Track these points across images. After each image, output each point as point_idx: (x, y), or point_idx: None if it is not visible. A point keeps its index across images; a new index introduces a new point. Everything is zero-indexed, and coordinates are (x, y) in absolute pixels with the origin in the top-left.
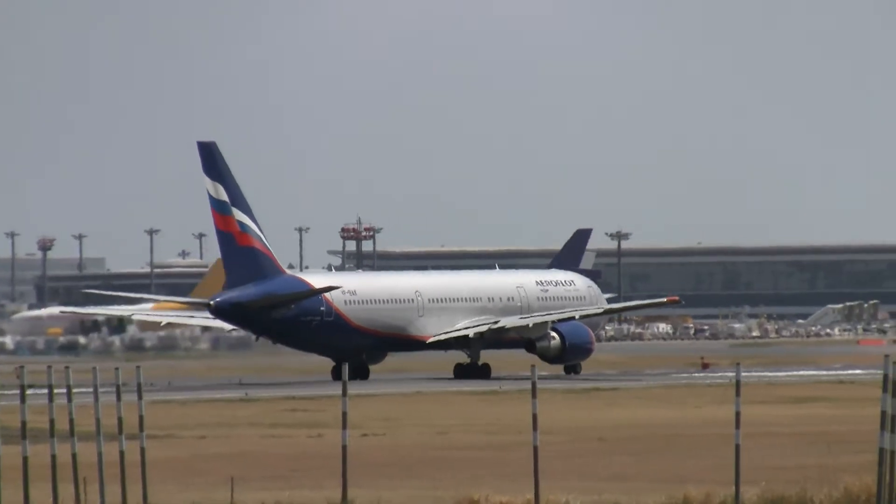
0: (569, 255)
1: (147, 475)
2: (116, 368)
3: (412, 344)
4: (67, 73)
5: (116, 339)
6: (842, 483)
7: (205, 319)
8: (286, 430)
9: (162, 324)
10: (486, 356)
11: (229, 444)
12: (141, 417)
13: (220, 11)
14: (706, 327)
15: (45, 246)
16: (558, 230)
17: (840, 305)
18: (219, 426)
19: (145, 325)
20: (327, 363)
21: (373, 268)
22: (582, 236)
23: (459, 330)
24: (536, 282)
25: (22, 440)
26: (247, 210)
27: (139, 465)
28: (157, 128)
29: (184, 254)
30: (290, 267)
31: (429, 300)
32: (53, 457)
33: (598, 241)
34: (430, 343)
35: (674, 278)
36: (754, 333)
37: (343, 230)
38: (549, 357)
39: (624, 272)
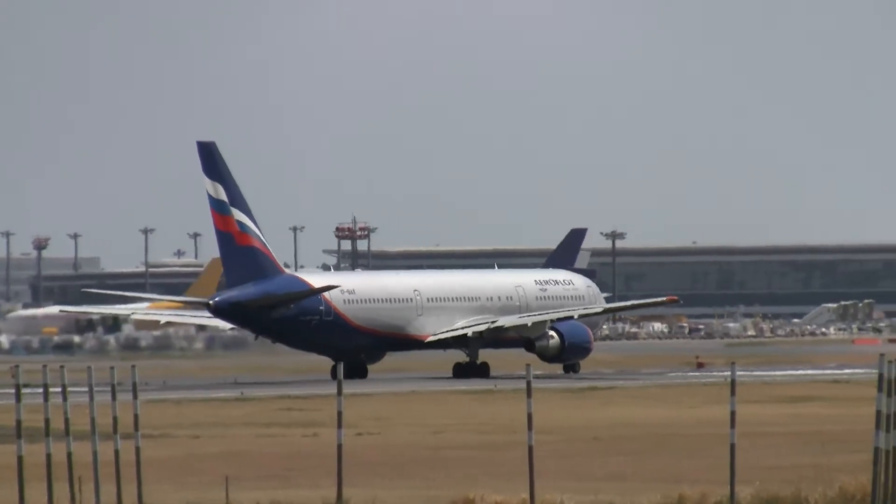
0: (564, 255)
1: (142, 475)
2: (111, 368)
3: (411, 343)
4: (63, 72)
5: (111, 339)
6: (837, 482)
7: (204, 319)
8: (281, 429)
9: (161, 323)
10: (485, 355)
11: (224, 444)
12: (136, 417)
13: (219, 11)
14: (701, 327)
15: (40, 245)
16: (553, 230)
17: (835, 305)
18: (214, 426)
19: (141, 325)
20: (324, 362)
21: (367, 267)
22: (577, 236)
23: (458, 329)
24: (535, 281)
25: (17, 439)
26: (246, 210)
27: (134, 464)
28: (152, 127)
29: (179, 253)
30: (286, 266)
31: (427, 299)
32: (48, 456)
33: (592, 241)
34: (428, 342)
35: (669, 278)
36: (749, 333)
37: (338, 229)
38: (548, 356)
39: (619, 272)
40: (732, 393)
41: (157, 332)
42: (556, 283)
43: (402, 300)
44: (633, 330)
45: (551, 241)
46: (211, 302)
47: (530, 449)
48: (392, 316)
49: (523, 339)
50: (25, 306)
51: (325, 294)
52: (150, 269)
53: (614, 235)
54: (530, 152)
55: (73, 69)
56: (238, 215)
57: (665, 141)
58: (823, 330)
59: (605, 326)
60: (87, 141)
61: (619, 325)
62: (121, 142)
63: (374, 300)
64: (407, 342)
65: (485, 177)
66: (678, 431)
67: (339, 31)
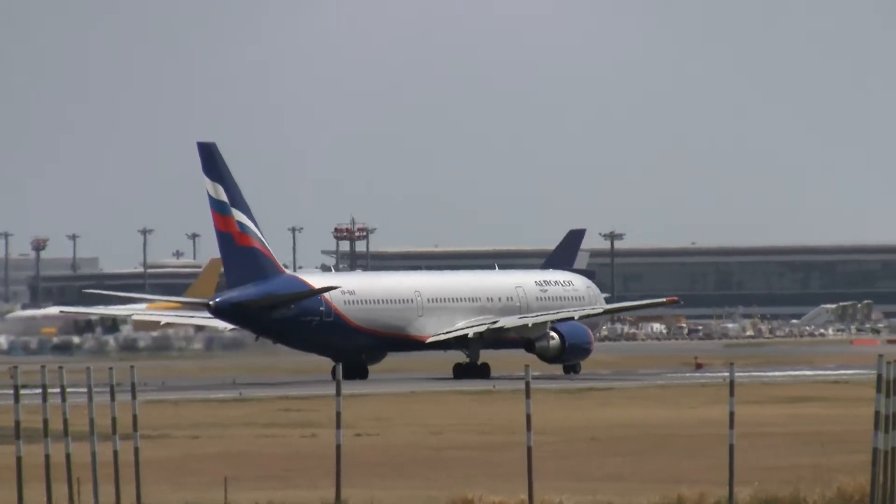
0: (562, 256)
1: (141, 475)
2: (110, 368)
3: (411, 344)
4: (60, 73)
5: (110, 339)
6: (835, 483)
7: (205, 319)
8: (280, 430)
9: (162, 323)
10: (486, 356)
11: (223, 444)
12: (135, 417)
13: (219, 11)
14: (700, 327)
15: (39, 246)
16: (552, 230)
17: (834, 305)
18: (212, 426)
19: (142, 325)
20: (324, 363)
21: (366, 268)
22: (576, 236)
23: (459, 330)
24: (535, 282)
25: (16, 440)
26: (246, 210)
27: (133, 465)
28: (151, 128)
29: (177, 254)
30: (285, 267)
31: (428, 300)
32: (47, 457)
33: (591, 242)
34: (429, 343)
35: (667, 278)
36: (748, 333)
37: (336, 230)
38: (548, 357)
39: (617, 272)
40: (731, 393)
41: (155, 333)
42: (557, 283)
43: (403, 301)
44: (632, 331)
45: (550, 242)
46: (212, 302)
47: (529, 449)
48: (393, 316)
49: (524, 339)
50: (24, 307)
51: (326, 295)
52: (149, 270)
53: (613, 236)
54: (529, 153)
55: (71, 69)
56: (238, 216)
57: (664, 141)
58: (822, 331)
59: (603, 327)
60: (85, 142)
61: (618, 325)
62: (119, 142)
63: (374, 301)
64: (407, 343)
65: (484, 177)
66: (677, 432)
67: (338, 31)
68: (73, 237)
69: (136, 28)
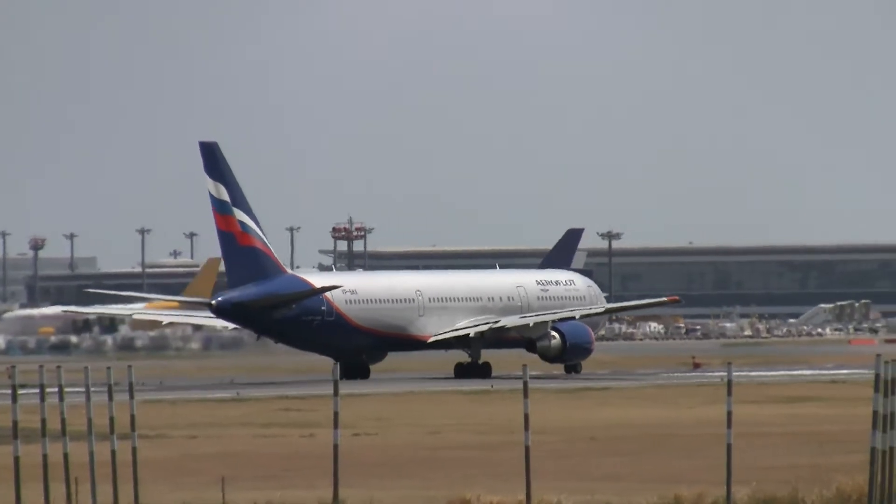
0: (560, 255)
1: (138, 475)
2: (108, 368)
3: (413, 343)
4: (59, 73)
5: (108, 339)
6: (834, 483)
7: (207, 319)
8: (278, 429)
9: (163, 323)
10: (487, 355)
11: (221, 444)
12: (132, 417)
13: (218, 11)
14: (698, 327)
15: (37, 245)
16: (550, 230)
17: (831, 305)
18: (210, 426)
19: (142, 325)
20: (323, 362)
21: (364, 267)
22: (573, 236)
23: (460, 329)
24: (537, 281)
25: (13, 440)
26: (248, 210)
27: (131, 464)
28: (149, 128)
29: (175, 253)
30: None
31: (429, 300)
32: (45, 456)
33: (589, 241)
34: (430, 342)
35: (665, 278)
36: (746, 333)
37: (334, 230)
38: (549, 356)
39: (615, 272)
40: (729, 393)
41: (153, 333)
42: (558, 283)
43: (404, 300)
44: (630, 330)
45: (548, 242)
46: (213, 302)
47: (527, 449)
48: (394, 316)
49: (525, 339)
50: (22, 306)
51: (327, 294)
52: (147, 270)
53: (611, 236)
54: (527, 152)
55: (68, 69)
56: (240, 215)
57: (662, 141)
58: (819, 330)
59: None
60: (83, 141)
61: (616, 325)
62: (117, 142)
63: (375, 300)
64: (409, 342)
65: (482, 177)
66: (675, 432)
67: (337, 30)
68: (71, 237)
69: (134, 28)
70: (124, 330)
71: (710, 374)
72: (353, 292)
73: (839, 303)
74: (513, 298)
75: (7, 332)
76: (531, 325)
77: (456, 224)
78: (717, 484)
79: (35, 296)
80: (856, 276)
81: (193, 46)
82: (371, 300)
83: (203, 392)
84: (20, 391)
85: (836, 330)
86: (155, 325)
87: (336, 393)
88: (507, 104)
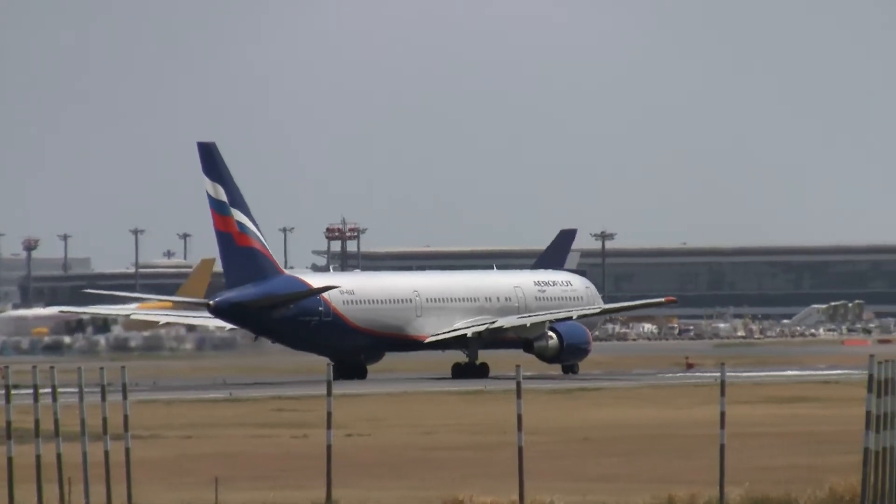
0: (553, 256)
1: (132, 475)
2: (101, 368)
3: (410, 344)
4: (53, 73)
5: (101, 339)
6: (827, 483)
7: (204, 319)
8: (272, 430)
9: (160, 323)
10: (485, 356)
11: (215, 445)
12: (126, 417)
13: (214, 11)
14: (691, 327)
15: (30, 246)
16: (543, 231)
17: (825, 306)
18: (204, 426)
19: (138, 325)
20: (318, 363)
21: (357, 268)
22: (567, 236)
23: (457, 330)
24: (534, 282)
25: (7, 440)
26: (246, 210)
27: (124, 465)
28: (143, 128)
29: (169, 254)
30: None
31: (427, 300)
32: (38, 457)
33: (582, 242)
34: (428, 343)
35: (658, 279)
36: (739, 333)
37: (328, 230)
38: (546, 357)
39: (608, 273)
40: (722, 393)
41: (147, 333)
42: (555, 283)
43: (402, 301)
44: (623, 331)
45: (541, 242)
46: (211, 302)
47: (520, 449)
48: (391, 316)
49: (522, 339)
50: (15, 307)
51: (325, 295)
52: (140, 270)
53: (604, 236)
54: (520, 153)
55: (61, 70)
56: (238, 216)
57: (655, 142)
58: (813, 331)
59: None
60: (76, 142)
61: (609, 325)
62: (111, 143)
63: (373, 301)
64: (406, 343)
65: (475, 178)
66: (668, 432)
67: (332, 31)
68: (65, 237)
69: (128, 29)
70: (118, 330)
71: (703, 374)
72: (350, 293)
73: (832, 303)
74: (510, 299)
75: (0, 333)
76: (528, 325)
77: (449, 225)
78: (710, 484)
79: (28, 296)
80: (849, 277)
81: (187, 47)
82: (368, 301)
83: (197, 392)
84: (14, 391)
85: (829, 330)
86: (150, 325)
87: (329, 393)
88: (501, 105)
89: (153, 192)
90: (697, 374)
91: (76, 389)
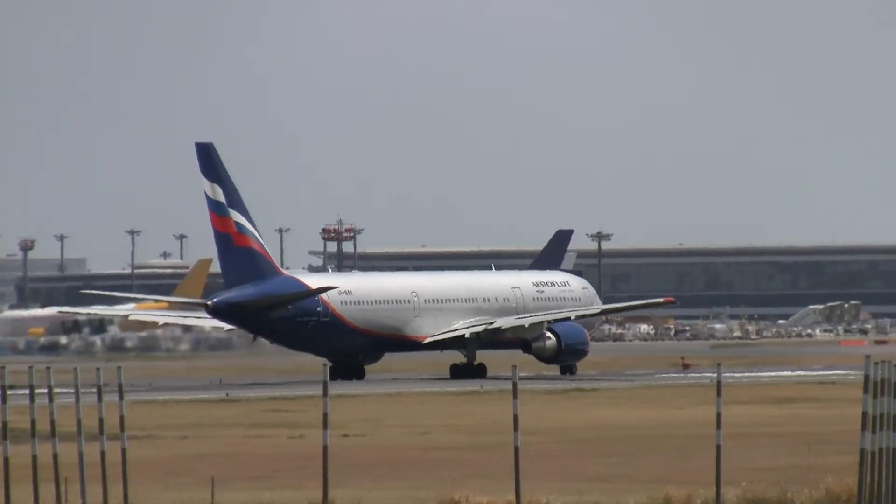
0: (550, 256)
1: (128, 475)
2: (97, 369)
3: (409, 344)
4: (50, 73)
5: (97, 340)
6: (823, 484)
7: (204, 319)
8: (268, 430)
9: (160, 324)
10: (483, 356)
11: (211, 445)
12: (122, 418)
13: (208, 12)
14: (687, 328)
15: (26, 247)
16: (540, 231)
17: (821, 306)
18: (200, 427)
19: (127, 326)
20: (313, 363)
21: (353, 268)
22: (563, 237)
23: (456, 330)
24: (532, 283)
25: (3, 441)
26: (244, 211)
27: (121, 465)
28: (138, 129)
29: (165, 255)
30: None
31: (425, 301)
32: (34, 457)
33: (578, 242)
34: (426, 343)
35: (655, 279)
36: (735, 334)
37: (324, 231)
38: (545, 357)
39: (605, 273)
40: (718, 394)
41: (143, 334)
42: (553, 284)
43: (400, 301)
44: (619, 331)
45: (538, 243)
46: (209, 303)
47: (516, 450)
48: (389, 317)
49: (521, 340)
50: (12, 307)
51: (323, 295)
52: (137, 271)
53: (600, 237)
54: (517, 154)
55: (60, 70)
56: (236, 216)
57: (652, 143)
58: (809, 331)
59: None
60: (73, 143)
61: (606, 326)
62: (107, 144)
63: (371, 301)
64: (404, 343)
65: (471, 178)
66: (665, 432)
67: (328, 31)
68: (61, 238)
69: (124, 29)
70: (114, 331)
71: (699, 375)
72: (348, 293)
73: (829, 304)
74: (508, 299)
75: None
76: (527, 326)
77: (446, 225)
78: (706, 484)
79: (25, 297)
80: (846, 277)
81: (180, 47)
82: (367, 301)
83: (193, 393)
84: (10, 392)
85: (825, 331)
86: (148, 325)
87: (325, 394)
88: (495, 105)
89: (149, 193)
90: (694, 374)
91: (72, 390)
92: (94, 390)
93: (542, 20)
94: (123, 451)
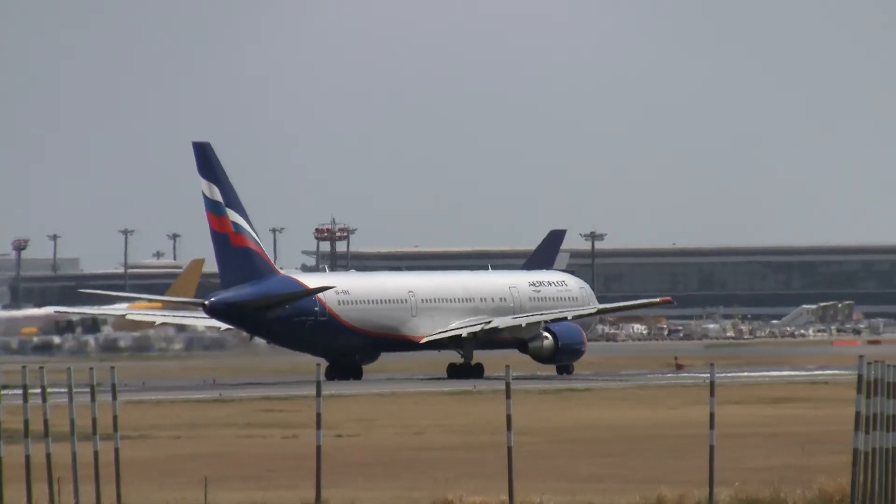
0: (543, 256)
1: (122, 475)
2: (91, 368)
3: (406, 344)
4: (46, 73)
5: (91, 340)
6: (816, 484)
7: (199, 319)
8: (261, 430)
9: (157, 323)
10: (480, 356)
11: (204, 445)
12: (115, 418)
13: (199, 12)
14: (680, 328)
15: (20, 246)
16: (533, 231)
17: (814, 306)
18: (194, 426)
19: (122, 325)
20: (307, 363)
21: (346, 268)
22: (556, 237)
23: (452, 330)
24: (529, 282)
25: None
26: (241, 211)
27: (114, 465)
28: (131, 129)
29: (158, 254)
30: None
31: (422, 300)
32: (28, 457)
33: (572, 242)
34: (423, 343)
35: (648, 279)
36: (729, 334)
37: (317, 231)
38: (541, 357)
39: (598, 273)
40: (711, 394)
41: (137, 334)
42: (550, 284)
43: (397, 301)
44: (613, 331)
45: (529, 243)
46: (207, 302)
47: (509, 450)
48: (387, 317)
49: (517, 340)
50: (5, 307)
51: (320, 295)
52: (130, 271)
53: (593, 236)
54: (510, 154)
55: (57, 69)
56: (233, 216)
57: (646, 143)
58: (802, 331)
59: None
60: (66, 142)
61: (599, 326)
62: (100, 143)
63: (368, 301)
64: (401, 343)
65: (465, 178)
66: (658, 432)
67: (323, 31)
68: (54, 237)
69: (117, 29)
70: (107, 331)
71: (692, 375)
72: (345, 293)
73: (822, 304)
74: (505, 299)
75: None
76: (523, 325)
77: (439, 225)
78: (699, 485)
79: (18, 297)
80: (839, 277)
81: (173, 47)
82: (364, 301)
83: (187, 393)
84: (3, 392)
85: (818, 331)
86: (145, 325)
87: (318, 394)
88: (489, 105)
89: (142, 193)
90: (687, 374)
91: (66, 390)
92: (88, 390)
93: (543, 20)
94: (117, 451)
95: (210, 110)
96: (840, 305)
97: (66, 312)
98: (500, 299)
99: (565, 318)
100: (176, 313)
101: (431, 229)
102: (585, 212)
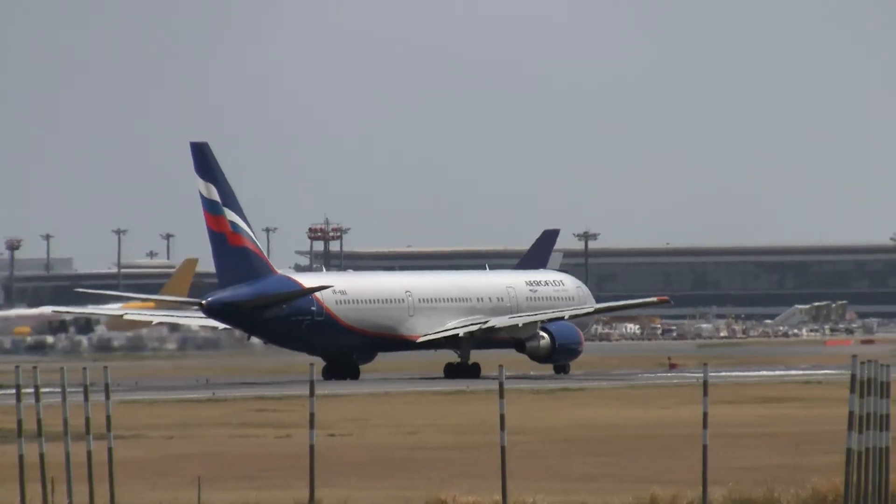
0: (536, 256)
1: (115, 475)
2: (84, 368)
3: (403, 344)
4: (44, 73)
5: (84, 339)
6: (809, 483)
7: (196, 319)
8: (255, 430)
9: (153, 323)
10: (477, 356)
11: (197, 445)
12: (108, 417)
13: (194, 12)
14: (674, 328)
15: (13, 246)
16: (526, 231)
17: (808, 306)
18: (187, 426)
19: (115, 325)
20: (301, 363)
21: (340, 268)
22: (549, 237)
23: (450, 330)
24: (526, 282)
25: None
26: (238, 210)
27: (107, 465)
28: (126, 129)
29: (151, 254)
30: None
31: (419, 300)
32: (21, 457)
33: (565, 242)
34: (420, 343)
35: (642, 279)
36: (722, 334)
37: (311, 230)
38: (538, 357)
39: (591, 273)
40: (705, 394)
41: (130, 333)
42: (547, 283)
43: (394, 301)
44: (606, 331)
45: (524, 242)
46: (204, 302)
47: (503, 449)
48: (384, 316)
49: (514, 339)
50: None
51: (317, 294)
52: (123, 270)
53: (587, 236)
54: (503, 154)
55: (54, 69)
56: (230, 216)
57: (640, 143)
58: (796, 331)
59: None
60: (59, 142)
61: (593, 326)
62: (93, 143)
63: (365, 300)
64: (398, 343)
65: (458, 178)
66: (652, 432)
67: (318, 31)
68: (47, 237)
69: (113, 29)
70: (101, 330)
71: (686, 374)
72: (342, 293)
73: (815, 303)
74: (502, 299)
75: None
76: (520, 325)
77: (432, 225)
78: (692, 484)
79: (11, 296)
80: (832, 277)
81: (168, 47)
82: (361, 300)
83: (180, 392)
84: None
85: (812, 331)
86: (141, 325)
87: (312, 393)
88: (483, 105)
89: (136, 193)
90: (681, 374)
91: (59, 389)
92: (81, 390)
93: (543, 20)
94: (110, 450)
95: (205, 110)
96: (833, 305)
97: (63, 312)
98: (498, 299)
99: (562, 318)
100: (172, 313)
101: (424, 229)
102: (579, 212)
